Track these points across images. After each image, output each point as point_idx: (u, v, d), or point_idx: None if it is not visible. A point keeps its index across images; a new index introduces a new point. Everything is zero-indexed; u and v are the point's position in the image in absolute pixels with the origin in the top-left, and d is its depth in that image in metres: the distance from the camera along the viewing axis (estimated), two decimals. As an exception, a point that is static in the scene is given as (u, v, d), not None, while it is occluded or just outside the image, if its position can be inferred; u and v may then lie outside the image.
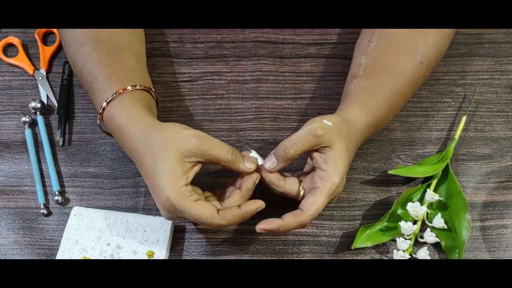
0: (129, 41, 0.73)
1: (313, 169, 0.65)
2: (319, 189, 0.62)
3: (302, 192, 0.64)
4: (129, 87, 0.66)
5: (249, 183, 0.64)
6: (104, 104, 0.65)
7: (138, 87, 0.67)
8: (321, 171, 0.62)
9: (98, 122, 0.67)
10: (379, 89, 0.69)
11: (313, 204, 0.61)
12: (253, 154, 0.66)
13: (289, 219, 0.62)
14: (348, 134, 0.64)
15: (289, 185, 0.64)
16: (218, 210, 0.61)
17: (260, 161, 0.65)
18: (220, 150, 0.62)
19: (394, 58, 0.70)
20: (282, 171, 0.65)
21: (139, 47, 0.75)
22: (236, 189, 0.65)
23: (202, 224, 0.62)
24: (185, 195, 0.60)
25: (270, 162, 0.64)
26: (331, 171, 0.62)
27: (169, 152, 0.60)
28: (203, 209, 0.60)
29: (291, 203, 0.65)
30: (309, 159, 0.69)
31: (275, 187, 0.64)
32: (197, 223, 0.64)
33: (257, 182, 0.64)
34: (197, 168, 0.62)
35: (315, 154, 0.63)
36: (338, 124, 0.64)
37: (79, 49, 0.70)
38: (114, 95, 0.65)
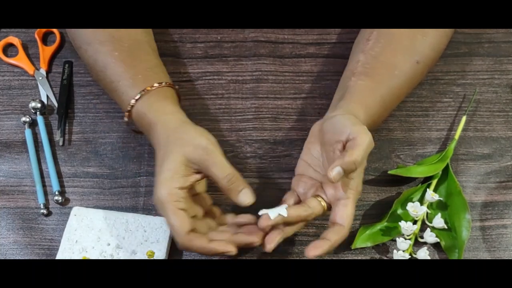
0: (146, 37, 0.74)
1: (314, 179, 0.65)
2: (348, 199, 0.62)
3: (325, 206, 0.64)
4: (156, 84, 0.67)
5: (242, 240, 0.62)
6: (133, 101, 0.66)
7: (163, 84, 0.68)
8: (348, 180, 0.62)
9: (126, 119, 0.68)
10: (378, 89, 0.69)
11: (348, 216, 0.61)
12: (262, 212, 0.62)
13: (334, 238, 0.61)
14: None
15: (314, 209, 0.63)
16: (190, 230, 0.60)
17: (272, 214, 0.61)
18: (219, 172, 0.61)
19: (392, 57, 0.70)
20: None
21: (154, 43, 0.76)
22: (235, 227, 0.65)
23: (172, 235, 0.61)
24: (173, 198, 0.60)
25: (338, 174, 0.59)
26: (358, 179, 0.62)
27: (176, 154, 0.61)
28: (177, 220, 0.59)
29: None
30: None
31: (308, 218, 0.63)
32: None
33: (254, 245, 0.62)
34: (199, 176, 0.62)
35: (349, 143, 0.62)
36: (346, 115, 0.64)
37: (99, 48, 0.70)
38: (142, 92, 0.66)
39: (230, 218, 0.66)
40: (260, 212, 0.62)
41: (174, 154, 0.61)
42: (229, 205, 0.70)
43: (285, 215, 0.61)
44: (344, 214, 0.62)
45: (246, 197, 0.61)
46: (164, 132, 0.64)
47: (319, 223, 0.71)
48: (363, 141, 0.60)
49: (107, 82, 0.70)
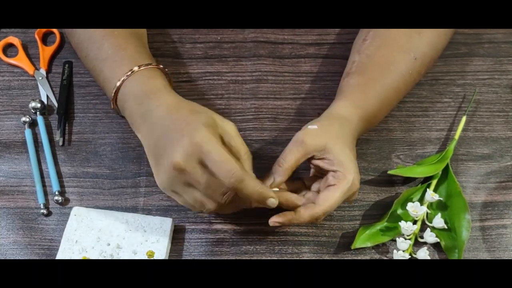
0: (143, 33, 0.75)
1: (322, 173, 0.65)
2: (334, 186, 0.62)
3: None
4: (161, 66, 0.68)
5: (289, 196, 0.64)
6: (136, 68, 0.66)
7: (166, 70, 0.69)
8: (333, 173, 0.63)
9: (118, 84, 0.66)
10: (370, 84, 0.69)
11: (326, 199, 0.62)
12: None
13: (301, 212, 0.62)
14: (340, 131, 0.65)
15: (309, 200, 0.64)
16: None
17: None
18: (242, 145, 0.62)
19: (387, 54, 0.70)
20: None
21: (146, 40, 0.76)
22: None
23: (220, 172, 0.57)
24: (219, 140, 0.59)
25: (270, 180, 0.64)
26: (344, 170, 0.62)
27: (208, 114, 0.61)
28: (230, 156, 0.58)
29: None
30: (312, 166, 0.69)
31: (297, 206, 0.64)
32: (210, 177, 0.59)
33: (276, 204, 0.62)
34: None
35: (318, 162, 0.64)
36: (327, 124, 0.65)
37: (96, 29, 0.70)
38: (149, 65, 0.66)
39: None
40: None
41: (207, 112, 0.62)
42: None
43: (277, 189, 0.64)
44: (323, 196, 0.62)
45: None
46: (181, 98, 0.64)
47: (319, 223, 0.71)
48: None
49: (102, 55, 0.69)
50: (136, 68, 0.66)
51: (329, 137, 0.63)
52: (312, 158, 0.64)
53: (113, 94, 0.67)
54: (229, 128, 0.62)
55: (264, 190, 0.60)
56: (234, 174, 0.57)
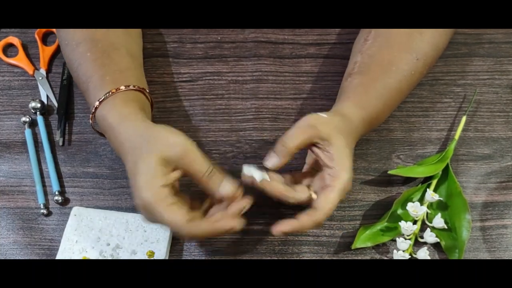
0: (125, 40, 0.72)
1: (316, 168, 0.65)
2: (331, 187, 0.62)
3: (313, 196, 0.63)
4: (122, 87, 0.65)
5: (235, 209, 0.62)
6: (97, 103, 0.65)
7: (131, 87, 0.66)
8: (329, 169, 0.62)
9: (91, 121, 0.67)
10: (372, 85, 0.69)
11: (326, 202, 0.61)
12: (247, 169, 0.63)
13: (304, 219, 0.61)
14: (345, 129, 0.64)
15: (299, 193, 0.63)
16: (189, 220, 0.59)
17: (258, 176, 0.62)
18: (199, 168, 0.60)
19: (389, 55, 0.70)
20: (282, 171, 0.65)
21: (135, 47, 0.75)
22: (220, 209, 0.63)
23: (173, 231, 0.60)
24: (160, 197, 0.58)
25: (271, 159, 0.63)
26: (339, 168, 0.62)
27: (150, 155, 0.59)
28: (173, 214, 0.58)
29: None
30: (308, 159, 0.69)
31: (287, 199, 0.63)
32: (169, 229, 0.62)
33: (244, 210, 0.62)
34: (177, 174, 0.60)
35: (318, 151, 0.63)
36: (334, 118, 0.65)
37: (75, 49, 0.69)
38: (107, 94, 0.65)
39: (214, 198, 0.64)
40: (245, 169, 0.62)
41: (149, 155, 0.59)
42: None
43: (259, 178, 0.62)
44: (322, 200, 0.61)
45: (226, 188, 0.61)
46: (129, 136, 0.61)
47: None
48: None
49: (79, 82, 0.69)
50: (93, 107, 0.65)
51: (335, 131, 0.63)
52: (314, 145, 0.63)
53: (90, 121, 0.67)
54: (177, 155, 0.59)
55: (219, 228, 0.60)
56: (181, 235, 0.59)
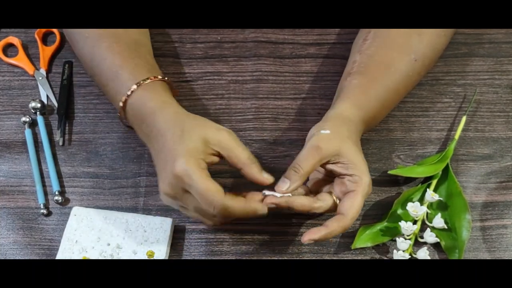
0: (144, 40, 0.74)
1: (327, 176, 0.66)
2: (354, 191, 0.62)
3: (338, 202, 0.64)
4: (159, 76, 0.67)
5: (269, 200, 0.62)
6: (134, 86, 0.65)
7: (166, 78, 0.68)
8: (350, 177, 0.63)
9: (121, 104, 0.66)
10: (372, 85, 0.69)
11: (352, 206, 0.62)
12: (268, 193, 0.63)
13: (333, 226, 0.61)
14: (348, 132, 0.65)
15: (325, 201, 0.63)
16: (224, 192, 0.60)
17: (278, 194, 0.63)
18: (243, 152, 0.62)
19: (387, 55, 0.70)
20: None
21: (151, 48, 0.76)
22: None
23: (203, 203, 0.59)
24: (201, 166, 0.59)
25: (284, 185, 0.62)
26: (359, 173, 0.62)
27: (197, 132, 0.61)
28: (212, 185, 0.59)
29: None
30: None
31: (314, 210, 0.63)
32: (198, 203, 0.61)
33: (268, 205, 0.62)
34: (216, 158, 0.62)
35: (332, 167, 0.64)
36: (336, 127, 0.65)
37: (98, 43, 0.70)
38: (148, 79, 0.66)
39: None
40: (265, 192, 0.63)
41: (195, 132, 0.61)
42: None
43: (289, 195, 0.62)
44: (348, 205, 0.62)
45: (268, 175, 0.62)
46: (174, 116, 0.63)
47: (319, 223, 0.70)
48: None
49: (103, 74, 0.69)
50: (129, 92, 0.66)
51: (342, 141, 0.63)
52: (327, 163, 0.63)
53: (119, 114, 0.69)
54: (224, 139, 0.62)
55: (249, 208, 0.61)
56: (216, 204, 0.59)
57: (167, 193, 0.62)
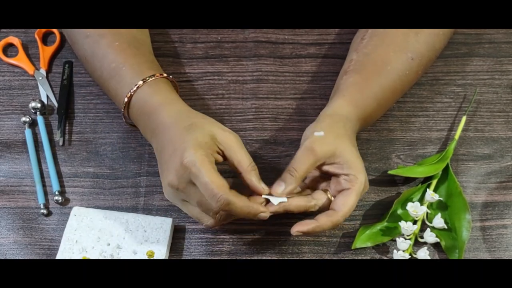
0: (144, 39, 0.75)
1: (325, 174, 0.65)
2: (349, 189, 0.62)
3: (332, 199, 0.64)
4: (165, 74, 0.68)
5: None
6: (140, 82, 0.66)
7: (171, 77, 0.69)
8: (345, 176, 0.63)
9: (126, 100, 0.67)
10: (368, 83, 0.69)
11: (345, 204, 0.62)
12: (270, 198, 0.63)
13: (323, 220, 0.62)
14: (344, 130, 0.65)
15: (319, 200, 0.64)
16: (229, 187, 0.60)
17: (275, 200, 0.63)
18: (245, 157, 0.62)
19: (384, 54, 0.70)
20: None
21: (151, 46, 0.76)
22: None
23: (207, 195, 0.59)
24: (209, 159, 0.59)
25: (280, 188, 0.63)
26: (355, 172, 0.63)
27: (206, 129, 0.61)
28: (218, 178, 0.59)
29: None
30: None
31: (310, 209, 0.64)
32: (202, 196, 0.60)
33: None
34: (220, 158, 0.62)
35: (328, 168, 0.64)
36: (331, 126, 0.65)
37: (99, 40, 0.70)
38: (153, 76, 0.66)
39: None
40: (264, 197, 0.63)
41: (205, 127, 0.61)
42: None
43: (285, 200, 0.62)
44: (340, 202, 0.62)
45: (264, 185, 0.63)
46: (181, 111, 0.64)
47: (319, 223, 0.71)
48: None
49: (105, 72, 0.69)
50: (134, 88, 0.66)
51: (337, 142, 0.63)
52: (322, 164, 0.64)
53: (123, 111, 0.68)
54: (230, 141, 0.62)
55: (252, 209, 0.61)
56: (220, 198, 0.58)
57: (172, 183, 0.61)
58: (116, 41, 0.70)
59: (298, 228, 0.62)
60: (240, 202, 0.60)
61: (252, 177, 0.62)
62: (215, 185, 0.58)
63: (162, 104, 0.65)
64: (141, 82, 0.66)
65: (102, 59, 0.69)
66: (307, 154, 0.63)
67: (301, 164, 0.62)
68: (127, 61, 0.68)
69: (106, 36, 0.70)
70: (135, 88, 0.66)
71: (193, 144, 0.60)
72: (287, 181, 0.62)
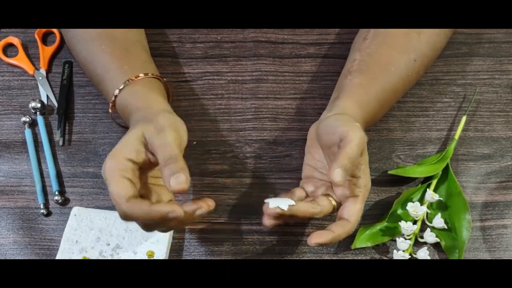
0: (139, 36, 0.74)
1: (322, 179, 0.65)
2: (357, 197, 0.62)
3: (335, 205, 0.64)
4: (141, 75, 0.67)
5: (189, 208, 0.58)
6: (117, 91, 0.66)
7: (150, 75, 0.68)
8: (355, 179, 0.62)
9: (110, 111, 0.67)
10: (373, 85, 0.69)
11: (356, 212, 0.62)
12: (272, 202, 0.61)
13: (339, 231, 0.61)
14: None
15: (325, 207, 0.63)
16: (130, 197, 0.56)
17: (284, 205, 0.60)
18: (161, 152, 0.57)
19: (387, 54, 0.70)
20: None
21: (146, 45, 0.76)
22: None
23: (113, 203, 0.57)
24: (118, 167, 0.57)
25: (340, 175, 0.58)
26: (365, 177, 0.63)
27: (136, 129, 0.59)
28: (118, 187, 0.56)
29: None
30: (304, 174, 0.69)
31: (316, 215, 0.63)
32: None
33: (201, 212, 0.58)
34: (150, 156, 0.59)
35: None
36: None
37: (89, 44, 0.70)
38: (127, 81, 0.66)
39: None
40: (267, 201, 0.61)
41: (134, 129, 0.59)
42: (229, 205, 0.70)
43: (293, 203, 0.61)
44: (351, 211, 0.62)
45: (176, 181, 0.55)
46: (139, 115, 0.62)
47: (319, 223, 0.71)
48: (353, 138, 0.60)
49: (94, 76, 0.70)
50: (113, 96, 0.66)
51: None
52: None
53: (110, 111, 0.68)
54: (153, 135, 0.58)
55: (154, 213, 0.56)
56: (120, 205, 0.56)
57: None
58: (104, 44, 0.70)
59: (316, 240, 0.60)
60: (141, 208, 0.56)
61: (165, 173, 0.56)
62: (114, 195, 0.56)
63: (130, 114, 0.64)
64: (117, 91, 0.66)
65: (92, 63, 0.70)
66: (359, 146, 0.60)
67: (350, 141, 0.60)
68: (112, 65, 0.68)
69: (96, 39, 0.70)
70: (113, 98, 0.66)
71: (114, 150, 0.58)
72: (348, 171, 0.59)
